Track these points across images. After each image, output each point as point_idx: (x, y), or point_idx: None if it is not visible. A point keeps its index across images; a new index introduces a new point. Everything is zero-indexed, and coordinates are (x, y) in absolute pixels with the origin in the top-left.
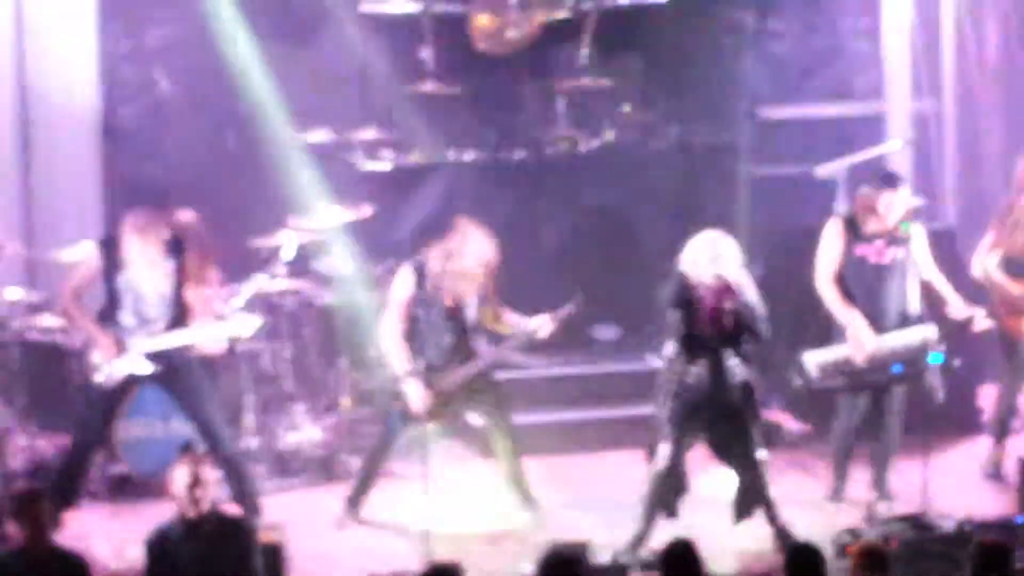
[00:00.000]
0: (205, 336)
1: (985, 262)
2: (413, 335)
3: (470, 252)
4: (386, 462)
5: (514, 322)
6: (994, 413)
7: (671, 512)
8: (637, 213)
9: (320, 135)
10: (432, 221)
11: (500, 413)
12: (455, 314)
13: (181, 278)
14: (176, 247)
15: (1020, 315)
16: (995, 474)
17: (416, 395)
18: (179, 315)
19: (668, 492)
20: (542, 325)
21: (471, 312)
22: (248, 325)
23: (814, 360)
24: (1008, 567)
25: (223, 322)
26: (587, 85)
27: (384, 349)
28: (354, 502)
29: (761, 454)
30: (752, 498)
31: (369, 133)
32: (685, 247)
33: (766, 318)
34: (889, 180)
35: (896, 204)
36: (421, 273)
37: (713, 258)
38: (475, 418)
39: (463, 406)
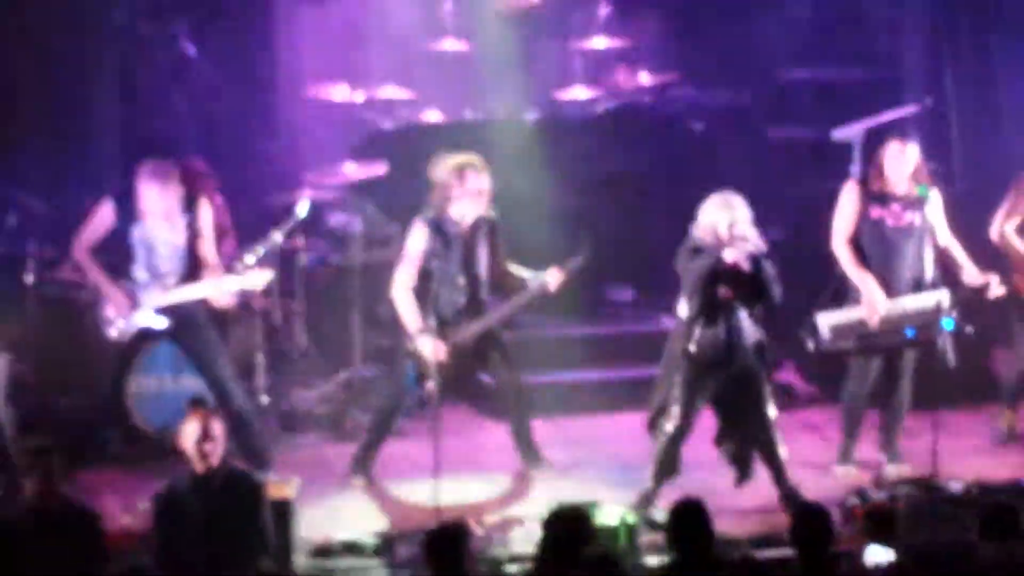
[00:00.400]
0: (217, 289)
1: (1003, 228)
2: (426, 291)
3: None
4: (396, 421)
5: (524, 275)
6: (1011, 378)
7: (676, 470)
8: (652, 174)
9: (338, 92)
10: None
11: (509, 372)
12: (468, 268)
13: (195, 232)
14: (191, 200)
15: None
16: (1007, 438)
17: (430, 349)
18: (192, 269)
19: (678, 454)
20: (552, 277)
21: (483, 267)
22: (260, 279)
23: (827, 321)
24: (1016, 528)
25: (235, 276)
26: (605, 45)
27: (397, 304)
28: (363, 460)
29: (771, 412)
30: (761, 457)
31: (387, 91)
32: (700, 209)
33: (778, 280)
34: (896, 134)
35: (902, 159)
36: (435, 227)
37: (729, 219)
38: (485, 377)
39: (473, 365)
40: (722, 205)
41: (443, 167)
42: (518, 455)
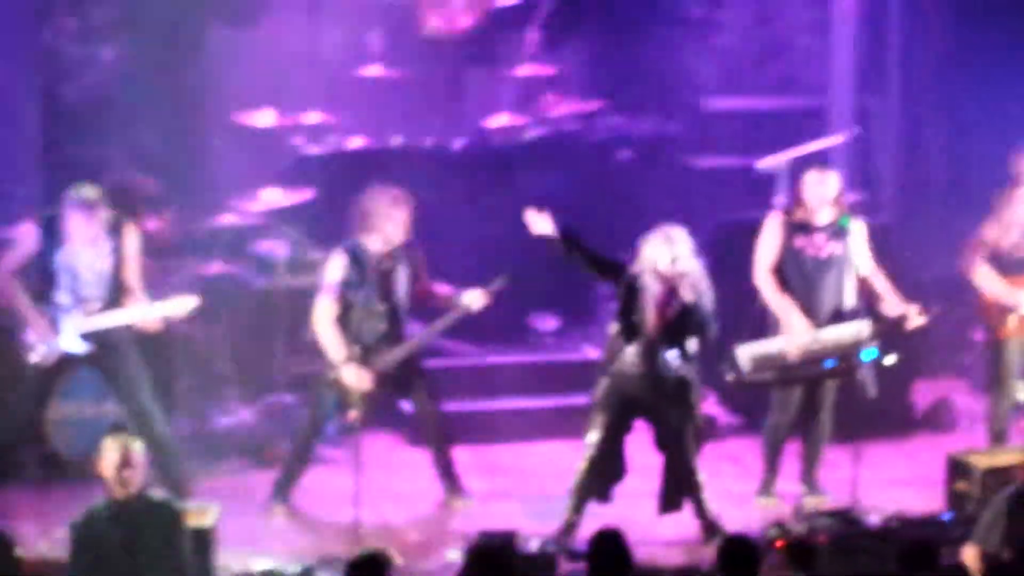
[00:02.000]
0: (141, 316)
1: (978, 266)
2: (347, 320)
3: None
4: (314, 448)
5: (447, 296)
6: (990, 421)
7: (603, 497)
8: (579, 202)
9: (264, 118)
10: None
11: (430, 401)
12: (387, 296)
13: (120, 257)
14: (116, 225)
15: (1008, 314)
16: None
17: (354, 379)
18: (115, 295)
19: (599, 478)
20: (474, 299)
21: (402, 293)
22: (184, 305)
23: (747, 353)
24: (935, 562)
25: (159, 302)
26: (532, 73)
27: (319, 335)
28: (283, 487)
29: (692, 449)
30: (681, 491)
31: (313, 117)
32: (641, 243)
33: (714, 318)
34: (815, 163)
35: (821, 188)
36: (354, 256)
37: (670, 254)
38: (405, 404)
39: (394, 392)
40: (664, 240)
41: (366, 198)
42: (440, 484)
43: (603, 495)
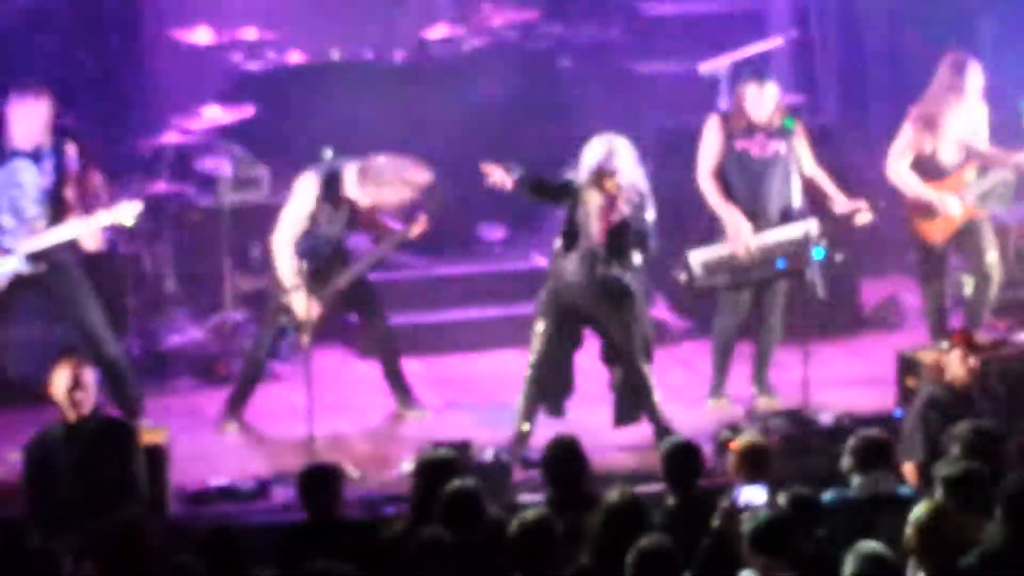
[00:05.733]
0: (87, 227)
1: (899, 167)
2: (302, 240)
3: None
4: (265, 367)
5: (388, 227)
6: (927, 319)
7: (556, 412)
8: (520, 112)
9: (201, 35)
10: (313, 121)
11: (377, 315)
12: (342, 221)
13: (61, 174)
14: (59, 142)
15: (933, 217)
16: None
17: (303, 306)
18: (59, 212)
19: (549, 389)
20: (414, 228)
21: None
22: (130, 212)
23: (699, 258)
24: (889, 459)
25: (106, 211)
26: None
27: (276, 257)
28: (235, 405)
29: (642, 359)
30: (635, 403)
31: (251, 32)
32: (582, 150)
33: (655, 232)
34: (754, 74)
35: (760, 100)
36: (329, 181)
37: (608, 158)
38: (352, 318)
39: (342, 309)
40: (604, 147)
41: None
42: (392, 397)
43: (555, 410)
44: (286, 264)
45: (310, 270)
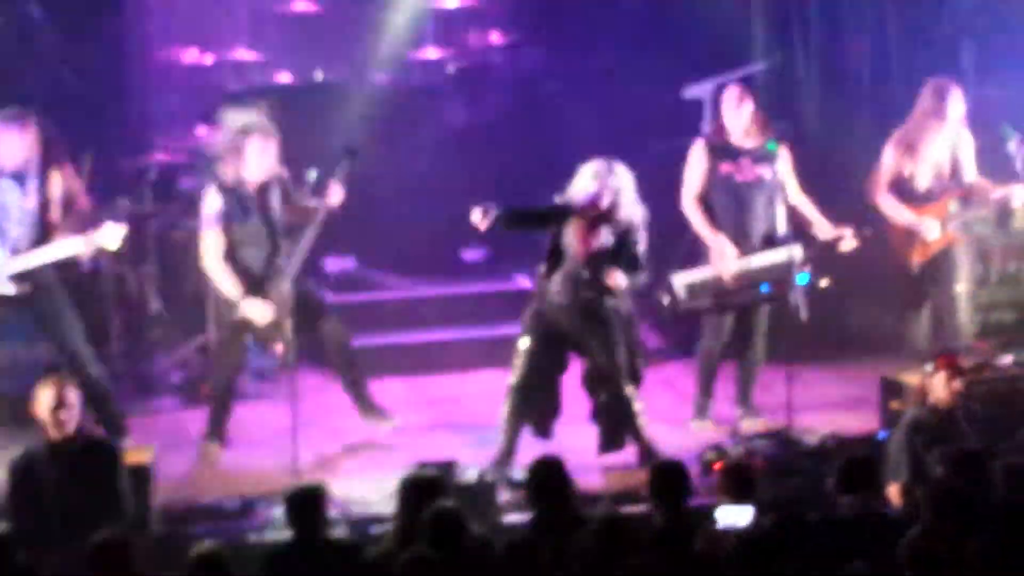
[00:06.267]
0: (72, 249)
1: (881, 195)
2: (234, 253)
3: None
4: (235, 389)
5: (312, 207)
6: (910, 342)
7: (543, 433)
8: (504, 134)
9: (188, 55)
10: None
11: (333, 327)
12: (267, 224)
13: (46, 196)
14: (44, 164)
15: (912, 242)
16: None
17: (257, 311)
18: (42, 235)
19: (536, 411)
20: (332, 193)
21: (278, 219)
22: (115, 235)
23: (682, 281)
24: (873, 480)
25: (89, 233)
26: (455, 5)
27: (211, 274)
28: (214, 429)
29: (626, 383)
30: (619, 428)
31: (238, 53)
32: (577, 173)
33: (644, 261)
34: (732, 84)
35: (738, 106)
36: (228, 189)
37: (603, 183)
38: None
39: (300, 327)
40: (601, 168)
41: (229, 133)
42: (357, 410)
43: (542, 431)
44: (223, 277)
45: (252, 278)
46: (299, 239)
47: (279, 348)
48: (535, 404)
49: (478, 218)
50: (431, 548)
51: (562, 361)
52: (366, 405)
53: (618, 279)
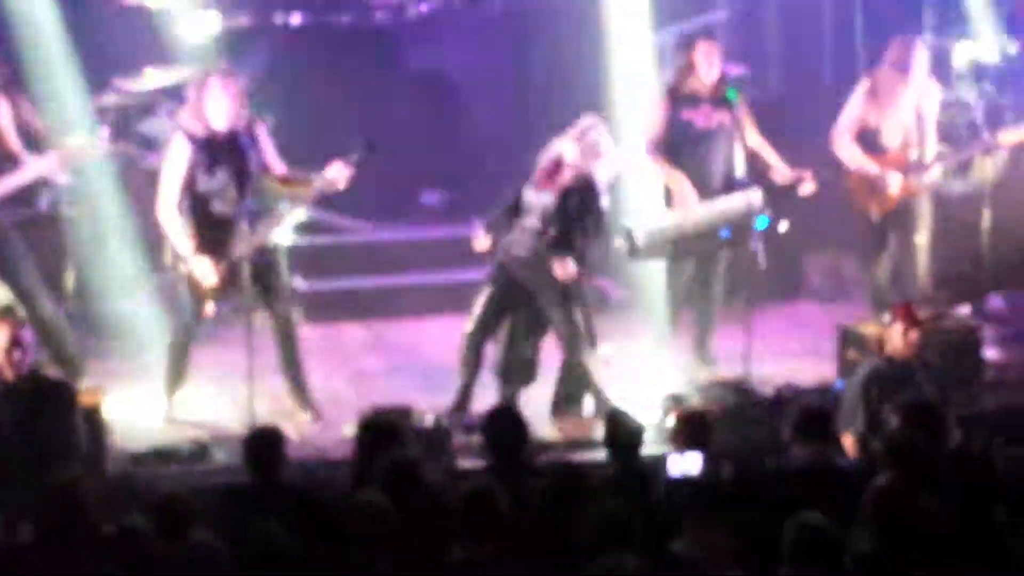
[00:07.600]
0: (48, 166)
1: (843, 136)
2: (195, 205)
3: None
4: (189, 350)
5: (305, 177)
6: (869, 292)
7: (511, 396)
8: (465, 78)
9: None
10: (259, 85)
11: (284, 315)
12: (238, 177)
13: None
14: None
15: (873, 191)
16: None
17: (203, 271)
18: (4, 164)
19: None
20: (337, 173)
21: (253, 173)
22: (92, 141)
23: (641, 227)
24: (829, 430)
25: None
26: None
27: (165, 226)
28: (170, 383)
29: (585, 350)
30: (576, 391)
31: None
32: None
33: (604, 227)
34: (703, 34)
35: (712, 56)
36: (195, 137)
37: (580, 140)
38: (299, 282)
39: (255, 301)
40: (586, 126)
41: (192, 76)
42: (291, 397)
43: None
44: (177, 230)
45: (214, 234)
46: (277, 211)
47: (208, 308)
48: (516, 367)
49: (481, 243)
50: (386, 493)
51: (524, 315)
52: (297, 391)
53: (568, 268)
